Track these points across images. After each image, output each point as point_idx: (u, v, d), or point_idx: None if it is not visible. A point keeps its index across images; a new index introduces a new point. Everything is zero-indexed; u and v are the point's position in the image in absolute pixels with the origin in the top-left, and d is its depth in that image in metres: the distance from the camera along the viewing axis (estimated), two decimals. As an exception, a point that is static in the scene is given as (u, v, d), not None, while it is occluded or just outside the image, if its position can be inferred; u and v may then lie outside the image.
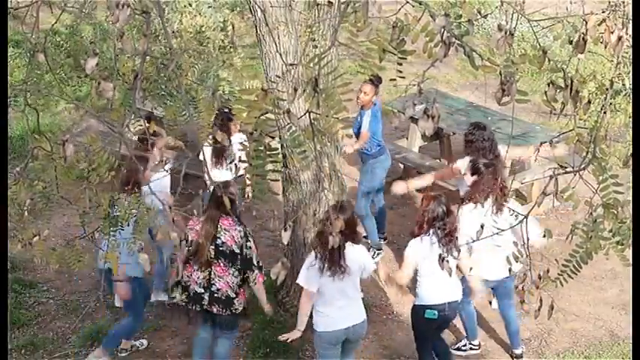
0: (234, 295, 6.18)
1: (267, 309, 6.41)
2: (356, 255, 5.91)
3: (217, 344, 6.52)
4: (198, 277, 6.17)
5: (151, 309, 7.62)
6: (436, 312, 6.25)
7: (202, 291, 6.17)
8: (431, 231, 6.15)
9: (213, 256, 6.11)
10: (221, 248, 6.11)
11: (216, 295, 6.16)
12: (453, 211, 6.26)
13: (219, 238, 6.10)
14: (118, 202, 3.71)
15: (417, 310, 6.36)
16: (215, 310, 6.21)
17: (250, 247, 6.14)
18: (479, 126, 7.37)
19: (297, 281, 6.02)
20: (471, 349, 7.10)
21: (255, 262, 6.16)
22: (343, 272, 5.80)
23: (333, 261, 5.78)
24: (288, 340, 6.14)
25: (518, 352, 7.08)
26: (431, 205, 6.17)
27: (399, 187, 7.57)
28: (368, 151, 8.16)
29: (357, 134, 8.01)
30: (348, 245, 5.84)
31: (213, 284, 6.15)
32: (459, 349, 7.10)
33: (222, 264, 6.13)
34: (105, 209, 3.56)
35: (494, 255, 6.21)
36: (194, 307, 6.26)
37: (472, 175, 6.77)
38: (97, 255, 6.16)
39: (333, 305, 5.94)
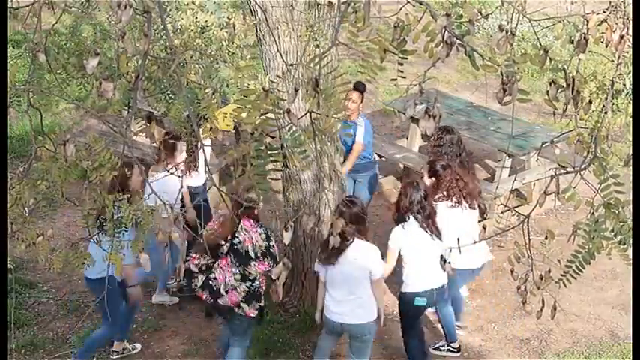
0: (224, 293, 6.14)
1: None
2: (361, 253, 5.96)
3: (229, 351, 6.49)
4: (199, 261, 6.16)
5: (151, 309, 7.63)
6: (425, 299, 6.34)
7: (197, 271, 6.16)
8: (411, 217, 6.22)
9: (225, 252, 6.11)
10: (236, 246, 6.08)
11: (210, 282, 6.15)
12: (430, 195, 6.36)
13: (237, 237, 6.07)
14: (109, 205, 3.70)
15: (407, 298, 6.41)
16: (204, 296, 6.20)
17: (274, 246, 6.15)
18: (447, 130, 7.35)
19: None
20: (449, 350, 7.04)
21: (277, 258, 6.15)
22: (333, 263, 5.94)
23: (328, 252, 5.92)
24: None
25: (454, 345, 7.08)
26: (408, 190, 6.26)
27: None
28: (365, 161, 8.13)
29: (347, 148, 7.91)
30: (357, 240, 5.94)
31: (212, 272, 6.15)
32: (437, 348, 7.07)
33: (229, 259, 6.10)
34: (110, 210, 3.56)
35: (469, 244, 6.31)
36: (182, 282, 6.34)
37: (430, 177, 6.77)
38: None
39: (333, 296, 6.09)
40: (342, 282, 6.00)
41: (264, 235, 6.09)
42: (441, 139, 7.24)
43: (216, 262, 6.14)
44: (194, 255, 6.19)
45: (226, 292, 6.14)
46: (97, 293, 6.58)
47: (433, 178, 6.74)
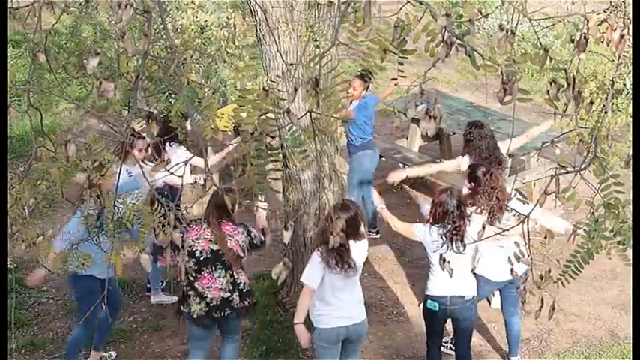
0: (232, 293, 6.11)
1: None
2: (358, 252, 5.90)
3: (224, 347, 6.47)
4: (221, 284, 6.06)
5: (151, 309, 7.62)
6: (436, 304, 6.23)
7: (229, 295, 6.08)
8: (440, 225, 6.10)
9: (207, 259, 6.04)
10: (222, 254, 6.05)
11: (244, 290, 6.14)
12: (464, 204, 6.15)
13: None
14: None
15: (424, 300, 6.38)
16: (247, 302, 6.17)
17: (256, 235, 6.13)
18: (477, 124, 7.34)
19: (301, 279, 6.00)
20: (451, 348, 6.94)
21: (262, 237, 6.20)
22: (354, 269, 5.82)
23: (343, 259, 5.76)
24: (302, 343, 6.09)
25: (514, 359, 7.04)
26: (442, 198, 6.08)
27: (396, 176, 7.59)
28: (354, 143, 8.21)
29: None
30: (352, 243, 5.81)
31: (239, 282, 6.11)
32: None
33: (210, 270, 6.05)
34: (110, 211, 3.56)
35: (498, 256, 6.21)
36: (221, 314, 6.11)
37: (469, 182, 6.65)
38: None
39: (334, 302, 5.92)
40: (345, 284, 5.92)
41: (245, 233, 6.08)
42: (471, 134, 7.21)
43: (234, 274, 6.07)
44: (202, 277, 6.06)
45: (232, 291, 6.09)
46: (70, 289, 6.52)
47: (472, 184, 6.56)
